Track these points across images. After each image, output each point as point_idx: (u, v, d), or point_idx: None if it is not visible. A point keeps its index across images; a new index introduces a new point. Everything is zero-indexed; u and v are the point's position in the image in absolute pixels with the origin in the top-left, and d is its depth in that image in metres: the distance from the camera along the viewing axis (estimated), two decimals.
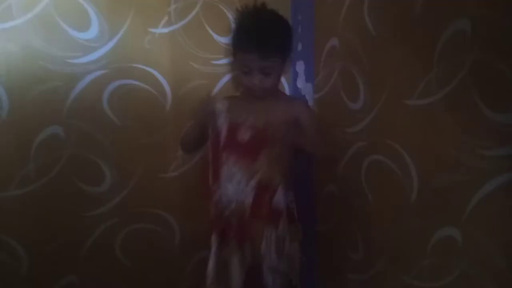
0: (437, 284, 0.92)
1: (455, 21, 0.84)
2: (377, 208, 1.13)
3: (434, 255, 0.93)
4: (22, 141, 1.23)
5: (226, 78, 1.40)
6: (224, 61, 1.37)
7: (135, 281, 1.37)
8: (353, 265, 1.23)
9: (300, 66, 1.46)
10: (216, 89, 1.41)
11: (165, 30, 1.34)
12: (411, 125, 0.98)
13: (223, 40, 1.38)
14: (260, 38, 1.07)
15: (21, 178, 1.23)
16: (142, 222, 1.37)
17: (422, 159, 0.96)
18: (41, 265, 1.27)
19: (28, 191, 1.24)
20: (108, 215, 1.33)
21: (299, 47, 1.45)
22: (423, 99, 0.94)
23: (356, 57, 1.16)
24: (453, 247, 0.88)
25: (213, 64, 1.40)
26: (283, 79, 1.50)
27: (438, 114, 0.90)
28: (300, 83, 1.47)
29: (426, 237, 0.94)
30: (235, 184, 1.13)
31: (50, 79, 1.24)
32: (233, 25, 1.13)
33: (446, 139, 0.88)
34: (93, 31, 1.27)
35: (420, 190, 0.97)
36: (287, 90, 1.51)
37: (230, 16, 1.37)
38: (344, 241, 1.27)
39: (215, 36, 1.40)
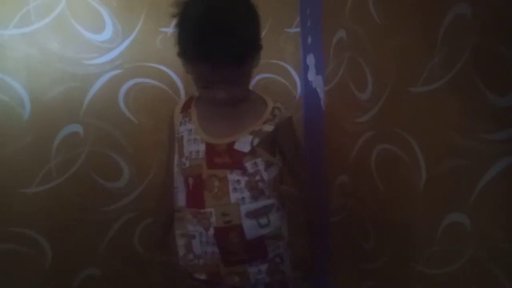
0: (446, 270, 0.92)
1: (455, 6, 0.84)
2: (387, 196, 1.13)
3: (442, 242, 0.93)
4: (43, 140, 1.29)
5: None
6: None
7: None
8: (365, 255, 1.24)
9: (310, 59, 1.47)
10: None
11: None
12: (417, 112, 0.98)
13: None
14: (213, 41, 0.78)
15: (43, 175, 1.30)
16: None
17: (428, 145, 0.96)
18: (64, 257, 1.33)
19: (50, 187, 1.31)
20: (126, 209, 1.38)
21: (309, 40, 1.46)
22: (427, 85, 0.93)
23: (363, 47, 1.16)
24: (461, 232, 0.87)
25: None
26: (295, 74, 1.52)
27: (442, 100, 0.90)
28: (311, 76, 1.48)
29: (435, 224, 0.94)
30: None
31: (68, 80, 1.30)
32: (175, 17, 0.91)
33: (450, 124, 0.88)
34: (107, 33, 1.32)
35: (428, 177, 0.97)
36: (298, 83, 1.53)
37: None
38: (356, 231, 1.28)
39: None
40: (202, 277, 0.98)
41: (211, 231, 0.92)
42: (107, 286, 1.38)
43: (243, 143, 0.94)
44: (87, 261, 1.36)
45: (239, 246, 0.93)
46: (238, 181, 0.92)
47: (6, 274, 1.28)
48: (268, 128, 0.98)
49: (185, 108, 1.03)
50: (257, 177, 0.95)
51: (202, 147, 0.94)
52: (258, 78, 1.48)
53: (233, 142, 0.94)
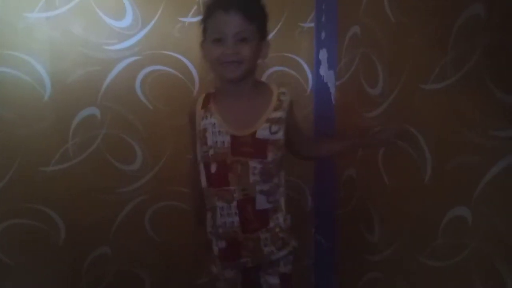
0: (448, 263, 0.95)
1: (470, 6, 0.86)
2: (393, 190, 1.16)
3: (445, 235, 0.97)
4: (62, 121, 1.33)
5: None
6: None
7: (162, 254, 1.46)
8: (370, 246, 1.27)
9: (323, 54, 1.50)
10: None
11: (194, 19, 1.41)
12: (427, 109, 1.01)
13: None
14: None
15: (61, 155, 1.34)
16: (169, 200, 1.46)
17: (436, 141, 0.99)
18: (77, 235, 1.38)
19: (67, 167, 1.35)
20: (138, 191, 1.42)
21: (323, 35, 1.49)
22: (438, 83, 0.97)
23: (376, 44, 1.19)
24: (463, 226, 0.91)
25: None
26: (307, 68, 1.56)
27: (452, 97, 0.93)
28: (323, 70, 1.51)
29: (439, 218, 0.98)
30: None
31: (88, 64, 1.34)
32: None
33: (458, 121, 0.91)
34: (127, 20, 1.36)
35: (434, 172, 1.00)
36: (310, 77, 1.56)
37: None
38: (362, 223, 1.31)
39: None
40: (223, 244, 1.13)
41: (234, 204, 1.09)
42: (117, 266, 1.43)
43: (263, 131, 1.09)
44: (99, 240, 1.41)
45: (251, 214, 1.10)
46: (255, 167, 1.09)
47: (20, 247, 1.32)
48: (281, 114, 1.10)
49: (205, 104, 1.15)
50: (271, 165, 1.10)
51: (227, 139, 1.09)
52: (271, 71, 1.51)
53: (255, 132, 1.08)
